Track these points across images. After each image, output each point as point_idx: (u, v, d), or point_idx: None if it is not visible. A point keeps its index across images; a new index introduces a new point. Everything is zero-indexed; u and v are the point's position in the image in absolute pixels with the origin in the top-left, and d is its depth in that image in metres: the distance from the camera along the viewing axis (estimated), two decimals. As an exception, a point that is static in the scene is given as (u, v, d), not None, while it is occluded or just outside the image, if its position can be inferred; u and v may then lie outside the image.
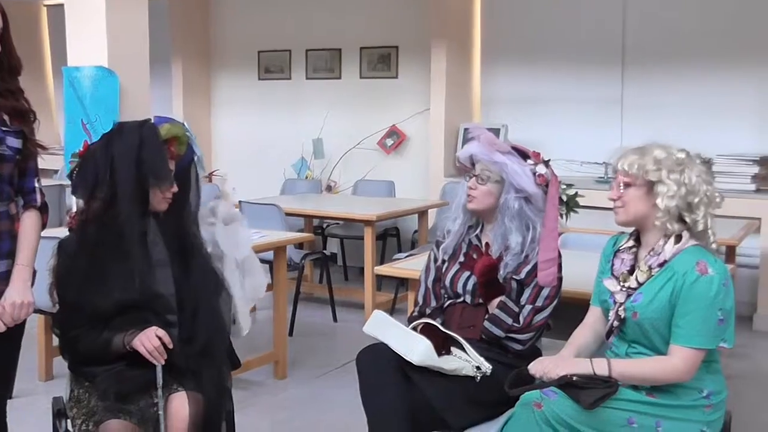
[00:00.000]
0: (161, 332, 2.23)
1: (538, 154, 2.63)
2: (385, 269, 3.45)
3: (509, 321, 2.55)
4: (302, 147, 7.07)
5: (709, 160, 5.29)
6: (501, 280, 2.57)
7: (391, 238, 6.32)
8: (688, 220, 2.26)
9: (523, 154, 2.63)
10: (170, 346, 2.24)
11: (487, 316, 2.57)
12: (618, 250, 2.44)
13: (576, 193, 2.80)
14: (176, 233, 2.38)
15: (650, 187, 2.27)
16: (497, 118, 6.46)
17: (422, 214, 5.79)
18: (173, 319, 2.28)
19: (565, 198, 2.76)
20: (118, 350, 2.25)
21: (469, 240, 2.71)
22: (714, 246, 2.28)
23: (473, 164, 2.67)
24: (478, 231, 2.71)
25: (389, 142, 6.79)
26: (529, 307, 2.57)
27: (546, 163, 2.63)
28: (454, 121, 6.34)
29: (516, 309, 2.56)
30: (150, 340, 2.21)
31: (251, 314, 3.04)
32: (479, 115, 6.64)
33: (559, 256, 2.63)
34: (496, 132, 5.94)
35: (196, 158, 2.49)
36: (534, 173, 2.58)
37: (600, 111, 6.07)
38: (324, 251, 5.77)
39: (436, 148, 6.39)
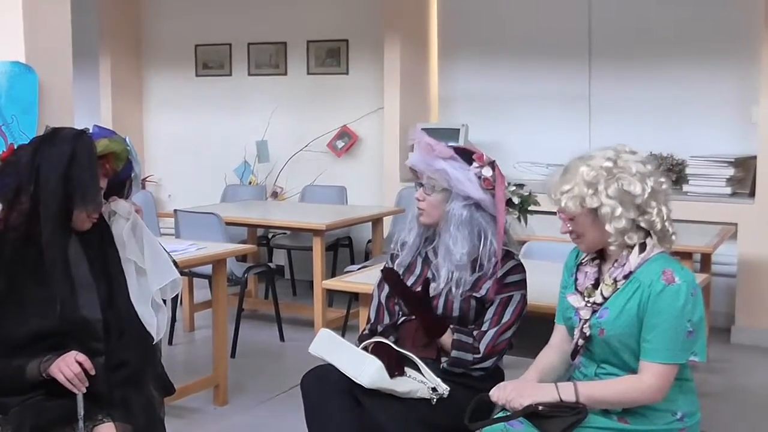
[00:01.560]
0: (81, 357, 2.19)
1: (482, 155, 2.65)
2: (335, 283, 3.45)
3: (470, 357, 2.55)
4: (245, 150, 7.06)
5: (682, 162, 5.46)
6: (457, 301, 2.58)
7: (343, 248, 6.32)
8: (644, 225, 2.26)
9: (468, 156, 2.64)
10: (92, 372, 2.20)
11: (445, 361, 2.57)
12: (581, 263, 2.45)
13: (530, 193, 2.83)
14: (101, 252, 2.34)
15: (594, 213, 2.27)
16: (456, 118, 6.48)
17: (376, 222, 5.80)
18: (99, 346, 2.24)
19: (517, 200, 2.80)
20: (34, 378, 2.20)
21: (425, 254, 2.72)
22: (674, 238, 2.29)
23: (419, 172, 2.70)
24: (435, 243, 2.72)
25: (340, 143, 6.79)
26: (492, 331, 2.59)
27: (492, 164, 2.65)
28: (410, 121, 6.34)
29: (472, 341, 2.58)
30: (69, 366, 2.17)
31: (186, 334, 2.97)
32: (437, 115, 6.66)
33: (522, 269, 2.66)
34: (454, 133, 6.06)
35: (133, 175, 2.46)
36: (479, 177, 2.60)
37: (566, 110, 6.10)
38: (269, 264, 5.75)
39: (391, 151, 6.41)
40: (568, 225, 2.30)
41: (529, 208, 2.85)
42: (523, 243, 3.64)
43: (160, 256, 2.42)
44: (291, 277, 6.74)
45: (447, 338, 2.58)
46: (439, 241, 2.66)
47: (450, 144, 2.72)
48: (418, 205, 2.68)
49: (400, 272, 2.72)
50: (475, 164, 2.63)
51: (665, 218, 2.27)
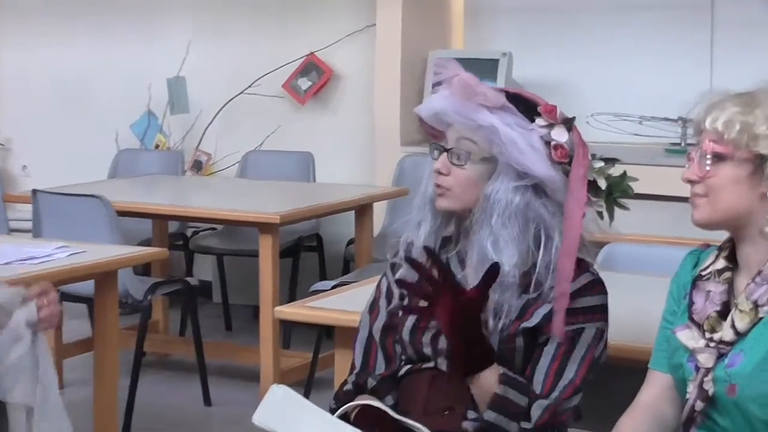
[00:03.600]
0: None
1: (554, 108, 2.67)
2: (296, 311, 3.48)
3: (523, 404, 2.57)
4: (149, 93, 7.08)
5: None
6: (496, 338, 2.63)
7: (309, 253, 6.36)
8: None
9: (530, 108, 2.68)
10: None
11: (487, 403, 2.59)
12: (700, 277, 2.48)
13: (625, 173, 2.80)
14: None
15: (758, 164, 2.33)
16: (493, 43, 6.51)
17: (363, 210, 5.81)
18: None
19: (603, 183, 2.77)
20: None
21: (445, 260, 2.74)
22: None
23: (444, 128, 2.74)
24: (459, 246, 2.76)
25: (304, 83, 6.79)
26: (549, 394, 2.61)
27: (569, 122, 2.67)
28: (419, 47, 6.34)
29: (525, 383, 2.61)
30: None
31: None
32: (461, 38, 6.69)
33: (602, 288, 2.68)
34: (489, 67, 6.05)
35: None
36: (547, 142, 2.63)
37: (673, 32, 6.19)
38: (188, 279, 5.72)
39: (387, 95, 6.43)
40: (707, 163, 2.35)
41: (619, 199, 2.80)
42: (601, 246, 3.65)
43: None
44: (223, 300, 6.74)
45: (493, 375, 2.58)
46: (470, 241, 2.70)
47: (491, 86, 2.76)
48: (437, 181, 2.70)
49: (402, 295, 2.76)
50: (540, 121, 2.66)
51: None
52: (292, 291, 6.20)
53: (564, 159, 2.63)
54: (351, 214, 5.93)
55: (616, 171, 2.79)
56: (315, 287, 4.93)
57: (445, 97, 2.68)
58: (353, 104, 6.82)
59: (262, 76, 6.90)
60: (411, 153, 6.26)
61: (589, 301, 2.65)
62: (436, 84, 2.75)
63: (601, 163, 2.77)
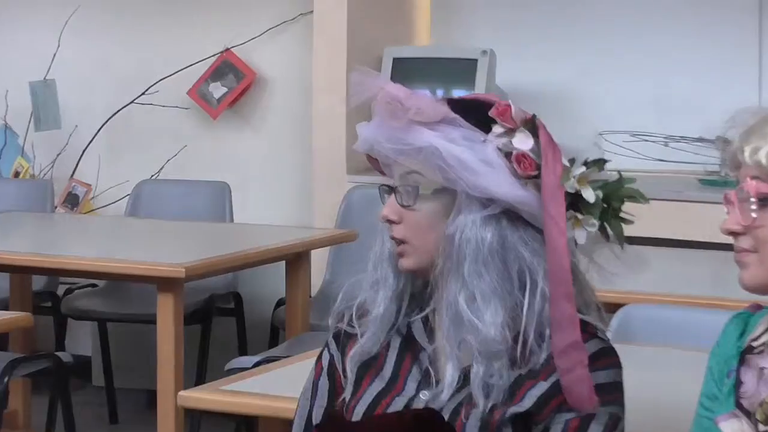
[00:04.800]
0: None
1: (507, 107, 2.67)
2: (206, 396, 3.51)
3: None
4: (5, 102, 7.12)
5: None
6: (475, 428, 2.64)
7: (224, 318, 6.45)
8: None
9: (481, 115, 2.69)
10: None
11: None
12: (749, 349, 2.50)
13: (620, 176, 2.78)
14: None
15: None
16: (470, 39, 6.61)
17: (296, 262, 5.85)
18: None
19: (592, 195, 2.75)
20: None
21: (408, 329, 2.79)
22: None
23: (391, 163, 2.79)
24: (428, 309, 2.78)
25: (217, 90, 6.85)
26: None
27: (531, 123, 2.67)
28: (372, 44, 6.44)
29: None
30: None
31: None
32: (427, 31, 6.77)
33: (614, 358, 2.68)
34: (467, 69, 6.17)
35: None
36: (508, 154, 2.65)
37: (710, 27, 6.35)
38: (59, 354, 5.69)
39: (329, 107, 6.44)
40: (753, 207, 2.36)
41: (624, 216, 2.79)
42: (614, 308, 3.67)
43: None
44: (107, 382, 6.71)
45: None
46: (438, 300, 2.72)
47: (447, 96, 2.83)
48: (391, 234, 2.73)
49: (351, 378, 2.79)
50: (497, 128, 2.66)
51: None
52: (201, 370, 6.25)
53: (532, 171, 2.64)
54: (280, 266, 5.93)
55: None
56: (232, 364, 5.04)
57: (374, 123, 2.72)
58: (283, 118, 6.89)
59: (161, 80, 6.96)
60: (361, 184, 6.28)
61: (598, 378, 2.63)
62: (364, 100, 2.74)
63: (582, 168, 2.78)
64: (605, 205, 2.79)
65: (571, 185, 2.69)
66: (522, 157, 2.63)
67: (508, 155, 2.63)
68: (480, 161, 2.64)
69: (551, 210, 2.61)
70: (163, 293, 5.26)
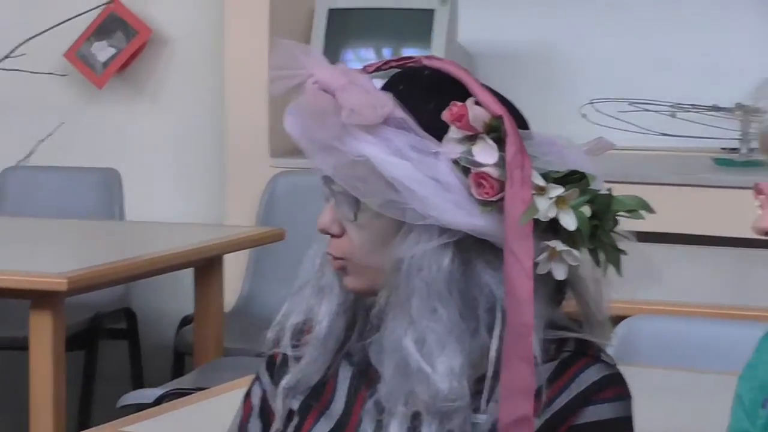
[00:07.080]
0: None
1: (464, 109, 2.52)
2: None
3: None
4: None
5: None
6: None
7: (114, 342, 6.41)
8: None
9: (435, 106, 2.54)
10: None
11: None
12: None
13: (610, 192, 2.64)
14: None
15: None
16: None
17: (206, 269, 5.71)
18: None
19: (573, 220, 2.58)
20: None
21: (362, 349, 2.75)
22: None
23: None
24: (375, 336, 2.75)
25: (103, 52, 6.65)
26: None
27: (495, 128, 2.54)
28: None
29: None
30: None
31: None
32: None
33: (622, 387, 2.63)
34: (421, 22, 6.20)
35: None
36: (467, 170, 2.55)
37: None
38: None
39: (247, 74, 6.35)
40: None
41: (619, 246, 2.64)
42: (616, 321, 3.58)
43: None
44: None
45: None
46: (380, 339, 2.68)
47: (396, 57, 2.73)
48: (329, 249, 2.68)
49: (284, 416, 2.76)
50: (453, 132, 2.52)
51: None
52: (84, 406, 6.22)
53: (494, 195, 2.53)
54: (187, 275, 5.81)
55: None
56: (126, 400, 5.15)
57: (295, 114, 2.63)
58: (188, 87, 6.79)
59: (29, 40, 6.76)
60: (289, 169, 6.24)
61: (602, 413, 2.59)
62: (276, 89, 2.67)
63: (560, 189, 2.59)
64: (596, 223, 2.59)
65: (544, 214, 2.53)
66: (481, 178, 2.52)
67: (466, 170, 2.53)
68: (429, 179, 2.56)
69: (514, 247, 2.54)
70: (37, 311, 5.08)
